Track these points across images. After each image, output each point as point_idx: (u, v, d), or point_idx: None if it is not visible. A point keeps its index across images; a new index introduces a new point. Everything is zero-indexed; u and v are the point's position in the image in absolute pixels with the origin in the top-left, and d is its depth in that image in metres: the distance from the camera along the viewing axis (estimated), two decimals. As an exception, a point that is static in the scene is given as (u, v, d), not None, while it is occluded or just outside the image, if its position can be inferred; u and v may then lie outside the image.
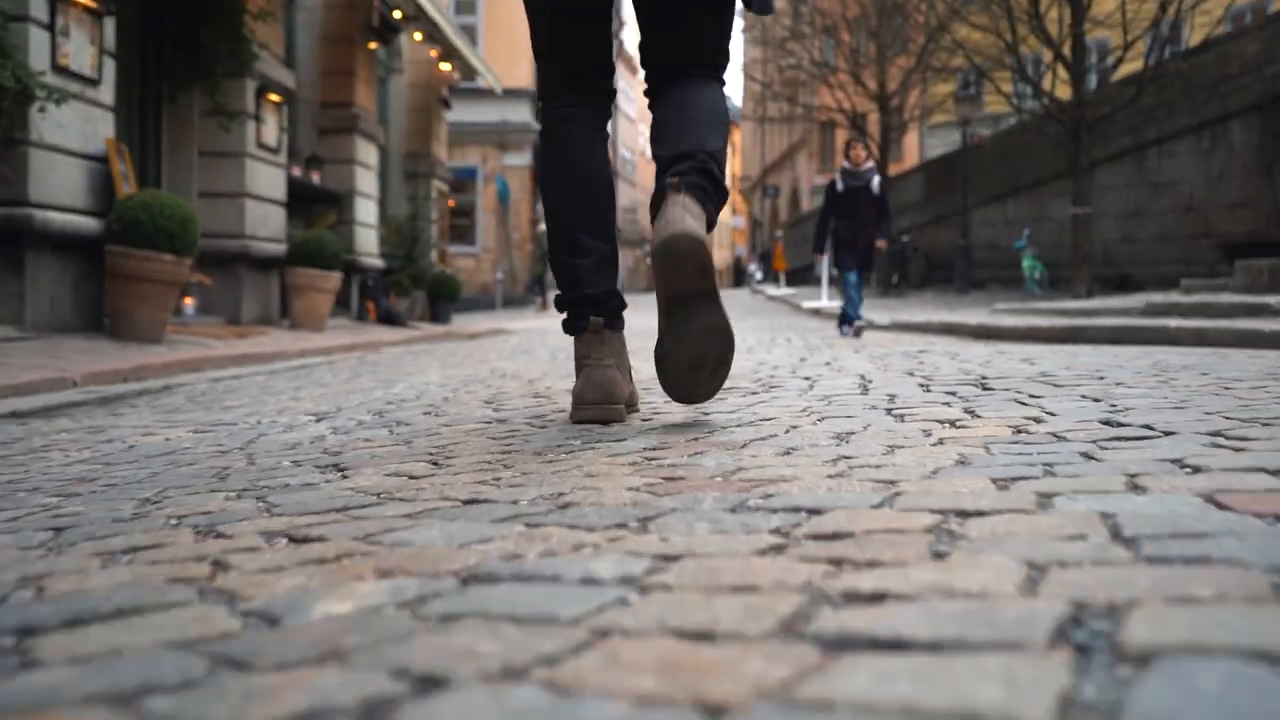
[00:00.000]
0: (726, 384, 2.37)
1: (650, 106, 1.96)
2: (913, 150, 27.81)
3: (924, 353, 3.53)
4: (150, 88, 7.68)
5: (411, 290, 12.17)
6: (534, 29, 1.98)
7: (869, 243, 7.15)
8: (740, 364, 3.32)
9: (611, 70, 2.03)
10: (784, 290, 22.64)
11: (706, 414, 1.85)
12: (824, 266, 16.76)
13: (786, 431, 1.55)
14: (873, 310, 12.90)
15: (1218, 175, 14.99)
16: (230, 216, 7.97)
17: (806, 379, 2.47)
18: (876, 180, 7.16)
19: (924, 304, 15.00)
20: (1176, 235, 15.60)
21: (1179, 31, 13.57)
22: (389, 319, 10.63)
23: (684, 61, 1.94)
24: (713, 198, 1.77)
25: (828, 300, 15.94)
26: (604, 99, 2.02)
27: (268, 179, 8.36)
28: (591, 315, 1.87)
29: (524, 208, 23.48)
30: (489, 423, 1.94)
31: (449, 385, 3.44)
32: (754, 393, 2.21)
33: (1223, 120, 14.84)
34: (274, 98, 8.29)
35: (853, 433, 1.50)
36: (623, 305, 1.95)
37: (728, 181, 1.86)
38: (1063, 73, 13.79)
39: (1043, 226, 17.85)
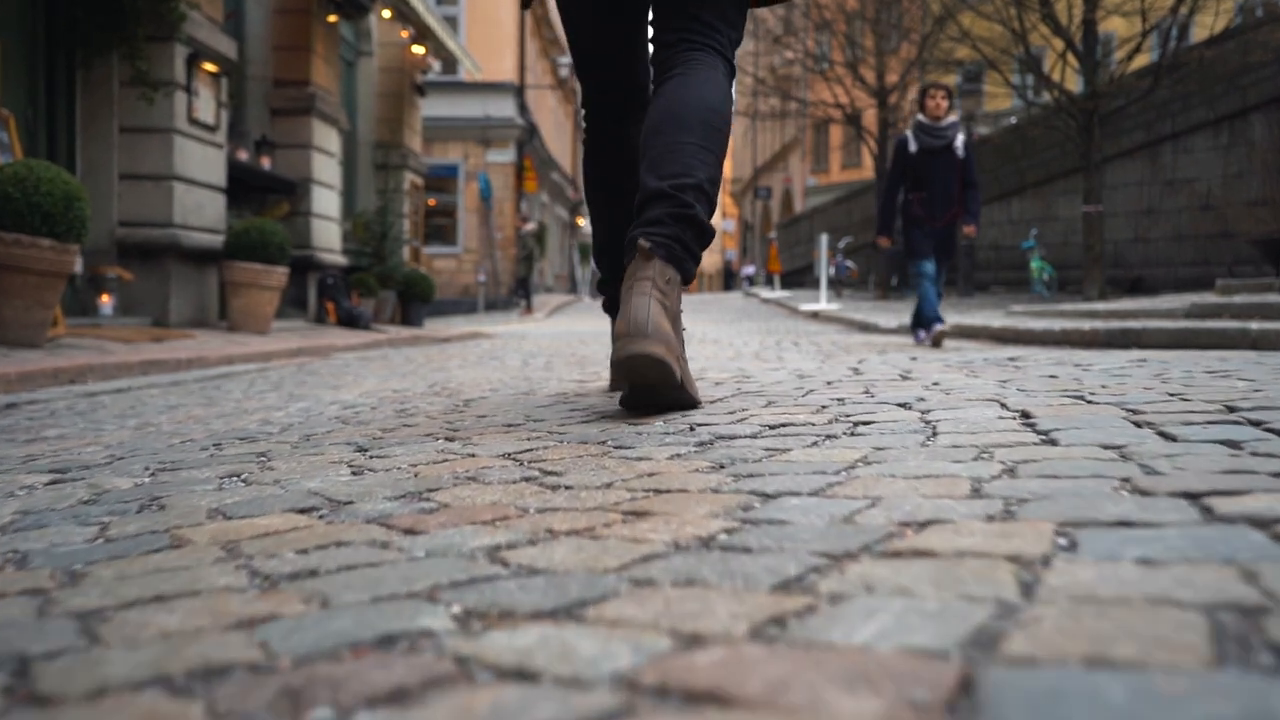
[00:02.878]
0: (774, 416, 1.38)
1: (654, 84, 1.88)
2: (909, 149, 26.97)
3: (1016, 361, 2.53)
4: (61, 52, 6.61)
5: (379, 290, 11.10)
6: (570, 42, 2.02)
7: (950, 223, 5.60)
8: (770, 375, 2.33)
9: (647, 75, 2.00)
10: (779, 293, 21.68)
11: (766, 498, 0.86)
12: (823, 266, 15.77)
13: (1024, 596, 0.54)
14: (876, 313, 11.95)
15: (1236, 172, 14.27)
16: (156, 202, 6.90)
17: (904, 406, 1.47)
18: (962, 139, 5.60)
19: (930, 306, 14.06)
20: (1192, 235, 14.86)
21: (1190, 20, 12.90)
22: (351, 321, 9.57)
23: (694, 21, 1.81)
24: (692, 250, 1.65)
25: (826, 303, 14.99)
26: (639, 100, 2.01)
27: (202, 160, 7.30)
28: None
29: (508, 207, 22.47)
30: (311, 513, 0.93)
31: (358, 406, 2.44)
32: (831, 435, 1.21)
33: (1242, 114, 14.11)
34: (210, 67, 7.23)
35: (1263, 610, 0.50)
36: None
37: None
38: (1072, 62, 13.04)
39: (1050, 226, 17.07)
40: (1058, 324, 7.52)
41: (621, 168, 1.97)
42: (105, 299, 6.54)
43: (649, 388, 1.52)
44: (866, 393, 1.71)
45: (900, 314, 11.44)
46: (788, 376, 2.35)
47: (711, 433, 1.30)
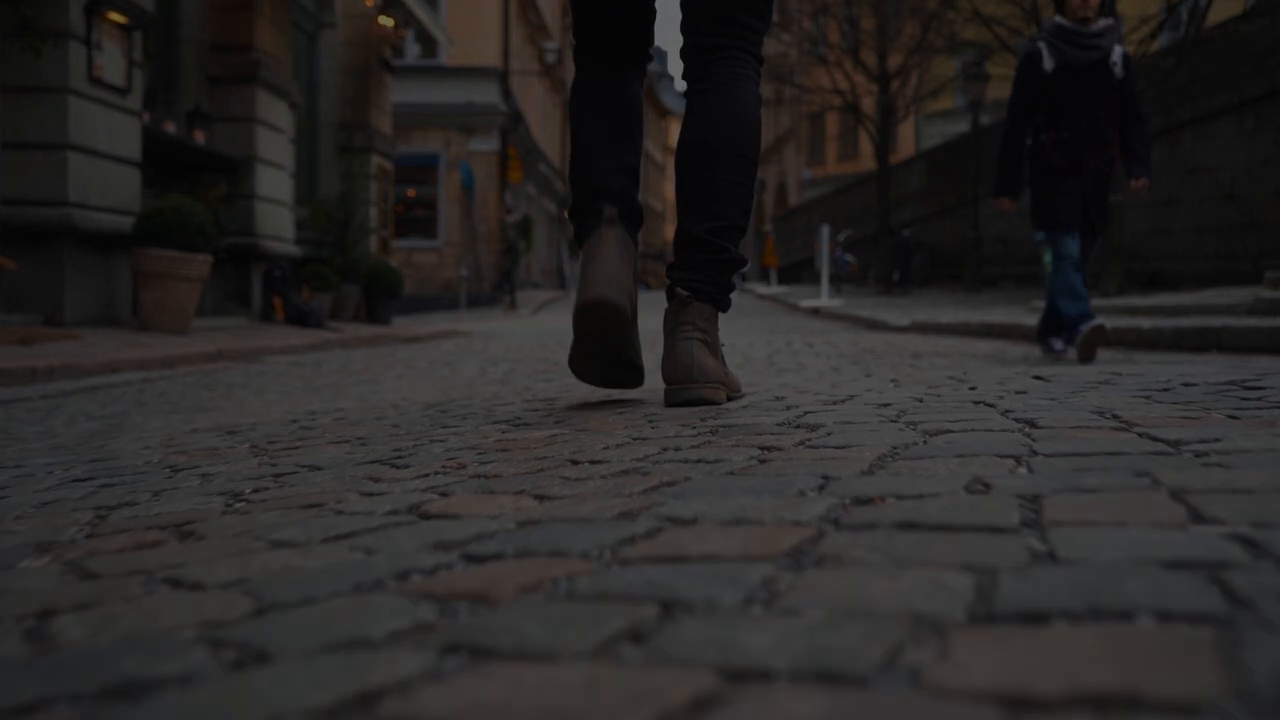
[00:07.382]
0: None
1: (686, 97, 1.93)
2: (908, 141, 26.08)
3: (1254, 386, 1.50)
4: (-73, -6, 5.50)
5: (338, 284, 9.98)
6: (573, 9, 1.97)
7: (1106, 175, 3.94)
8: (837, 416, 1.26)
9: (648, 47, 1.96)
10: (775, 288, 20.64)
11: None
12: (824, 259, 14.68)
13: None
14: (881, 310, 10.92)
15: (1263, 159, 13.32)
16: (46, 176, 5.78)
17: None
18: (1120, 51, 3.92)
19: (937, 303, 13.08)
20: (1214, 226, 13.92)
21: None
22: (300, 319, 8.48)
23: (729, 24, 1.86)
24: (726, 284, 1.82)
25: (827, 299, 13.96)
26: (640, 54, 1.95)
27: (109, 128, 6.17)
28: (606, 207, 1.75)
29: (491, 198, 21.32)
30: None
31: (128, 473, 1.39)
32: None
33: (1269, 97, 13.17)
34: (116, 18, 6.10)
35: None
36: (640, 215, 1.87)
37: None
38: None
39: (1061, 218, 16.06)
40: (1109, 322, 6.64)
41: (620, 96, 1.89)
42: (-18, 291, 5.45)
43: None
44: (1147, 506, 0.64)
45: (910, 311, 10.40)
46: (873, 416, 1.29)
47: None
